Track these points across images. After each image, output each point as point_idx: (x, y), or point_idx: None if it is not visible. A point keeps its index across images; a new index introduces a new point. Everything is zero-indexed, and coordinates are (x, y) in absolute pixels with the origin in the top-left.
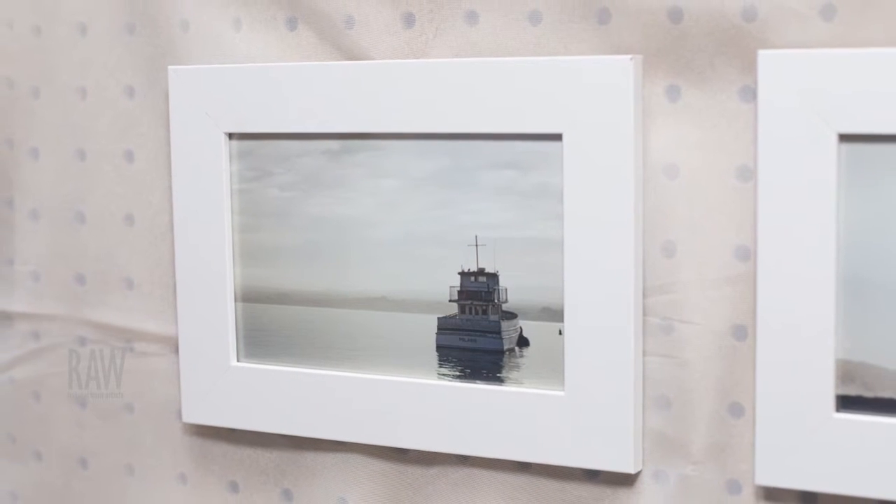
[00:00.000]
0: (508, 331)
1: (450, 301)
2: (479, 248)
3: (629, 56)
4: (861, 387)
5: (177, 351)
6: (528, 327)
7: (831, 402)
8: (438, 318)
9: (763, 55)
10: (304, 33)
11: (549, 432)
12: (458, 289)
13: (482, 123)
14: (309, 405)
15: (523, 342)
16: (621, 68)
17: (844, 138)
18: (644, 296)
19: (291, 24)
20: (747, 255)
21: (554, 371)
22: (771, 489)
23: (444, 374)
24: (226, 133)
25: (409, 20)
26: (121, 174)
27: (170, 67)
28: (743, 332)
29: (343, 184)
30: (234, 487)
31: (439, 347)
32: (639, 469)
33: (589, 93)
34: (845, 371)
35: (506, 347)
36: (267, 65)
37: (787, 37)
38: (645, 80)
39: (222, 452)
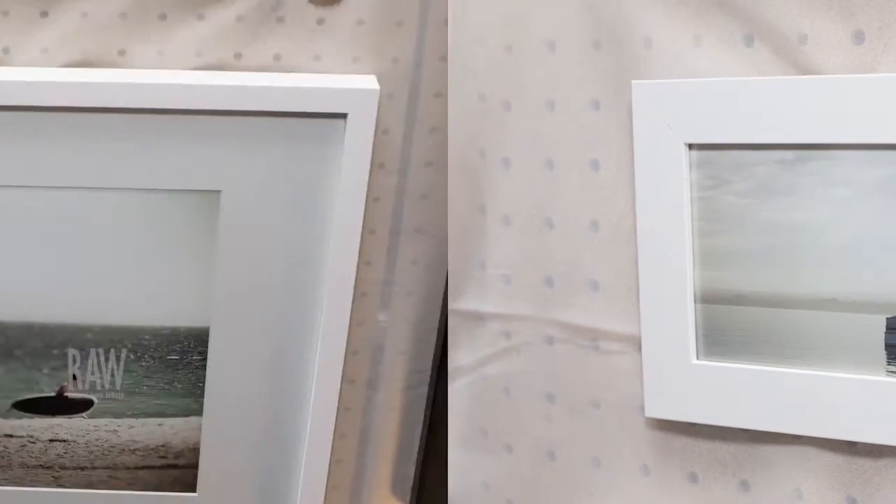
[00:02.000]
0: None
1: None
2: None
3: None
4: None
5: (639, 349)
6: None
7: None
8: (887, 319)
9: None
10: (759, 49)
11: None
12: None
13: None
14: (764, 400)
15: None
16: None
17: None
18: None
19: (748, 40)
20: None
21: None
22: None
23: (892, 372)
24: (686, 143)
25: (859, 37)
26: (586, 182)
27: (633, 81)
28: None
29: (796, 192)
30: (693, 478)
31: (888, 346)
32: None
33: None
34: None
35: None
36: (725, 79)
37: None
38: None
39: (682, 445)
